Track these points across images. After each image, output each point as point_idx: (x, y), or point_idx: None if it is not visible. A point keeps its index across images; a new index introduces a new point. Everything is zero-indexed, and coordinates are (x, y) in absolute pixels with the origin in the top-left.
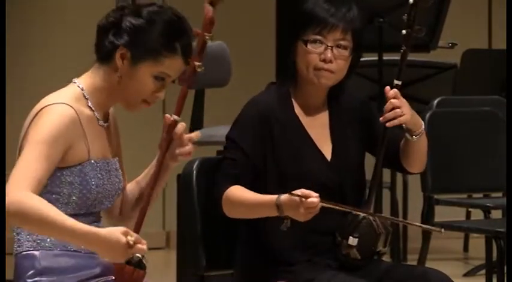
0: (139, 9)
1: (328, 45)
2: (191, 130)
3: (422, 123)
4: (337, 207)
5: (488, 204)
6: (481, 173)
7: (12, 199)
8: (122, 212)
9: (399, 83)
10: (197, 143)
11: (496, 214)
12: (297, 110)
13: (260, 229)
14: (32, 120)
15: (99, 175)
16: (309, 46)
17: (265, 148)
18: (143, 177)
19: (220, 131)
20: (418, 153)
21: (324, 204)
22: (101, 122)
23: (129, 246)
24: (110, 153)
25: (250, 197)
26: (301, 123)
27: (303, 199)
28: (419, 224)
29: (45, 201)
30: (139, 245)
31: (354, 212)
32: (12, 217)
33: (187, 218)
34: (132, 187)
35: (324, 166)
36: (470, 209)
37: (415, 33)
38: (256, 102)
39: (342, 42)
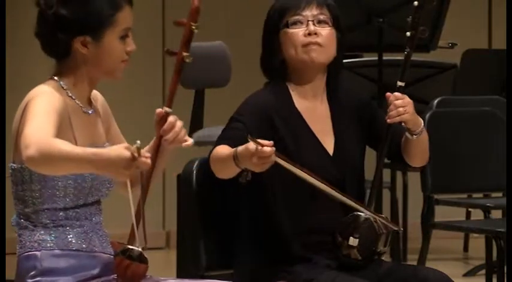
0: None
1: (308, 20)
2: (191, 130)
3: (422, 122)
4: (292, 168)
5: (488, 204)
6: (481, 173)
7: (31, 143)
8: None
9: (402, 84)
10: (197, 143)
11: (496, 214)
12: (297, 104)
13: (260, 229)
14: (24, 107)
15: None
16: (291, 28)
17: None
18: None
19: (220, 131)
20: (419, 149)
21: (278, 160)
22: (85, 109)
23: (133, 158)
24: (98, 140)
25: (224, 152)
26: (303, 117)
27: (259, 147)
28: (372, 212)
29: (58, 139)
30: (143, 158)
31: (312, 181)
32: (32, 160)
33: (187, 218)
34: None
35: (326, 161)
36: (470, 209)
37: (419, 34)
38: (255, 100)
39: (321, 17)
